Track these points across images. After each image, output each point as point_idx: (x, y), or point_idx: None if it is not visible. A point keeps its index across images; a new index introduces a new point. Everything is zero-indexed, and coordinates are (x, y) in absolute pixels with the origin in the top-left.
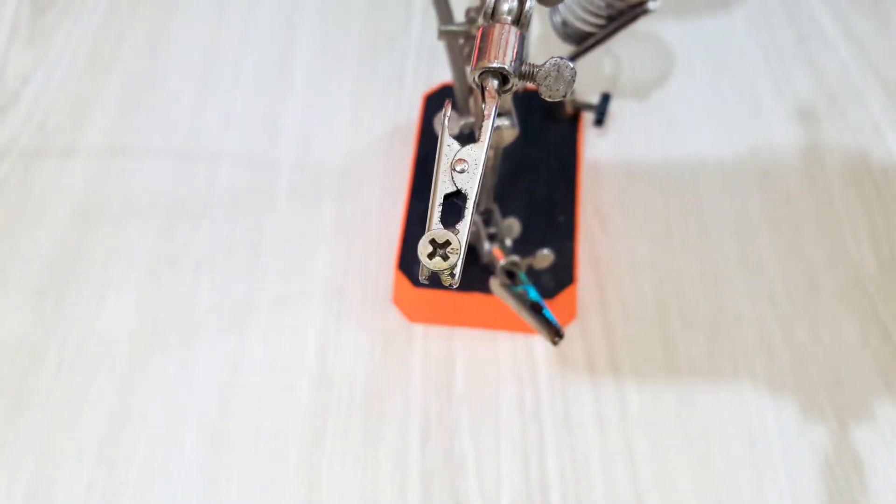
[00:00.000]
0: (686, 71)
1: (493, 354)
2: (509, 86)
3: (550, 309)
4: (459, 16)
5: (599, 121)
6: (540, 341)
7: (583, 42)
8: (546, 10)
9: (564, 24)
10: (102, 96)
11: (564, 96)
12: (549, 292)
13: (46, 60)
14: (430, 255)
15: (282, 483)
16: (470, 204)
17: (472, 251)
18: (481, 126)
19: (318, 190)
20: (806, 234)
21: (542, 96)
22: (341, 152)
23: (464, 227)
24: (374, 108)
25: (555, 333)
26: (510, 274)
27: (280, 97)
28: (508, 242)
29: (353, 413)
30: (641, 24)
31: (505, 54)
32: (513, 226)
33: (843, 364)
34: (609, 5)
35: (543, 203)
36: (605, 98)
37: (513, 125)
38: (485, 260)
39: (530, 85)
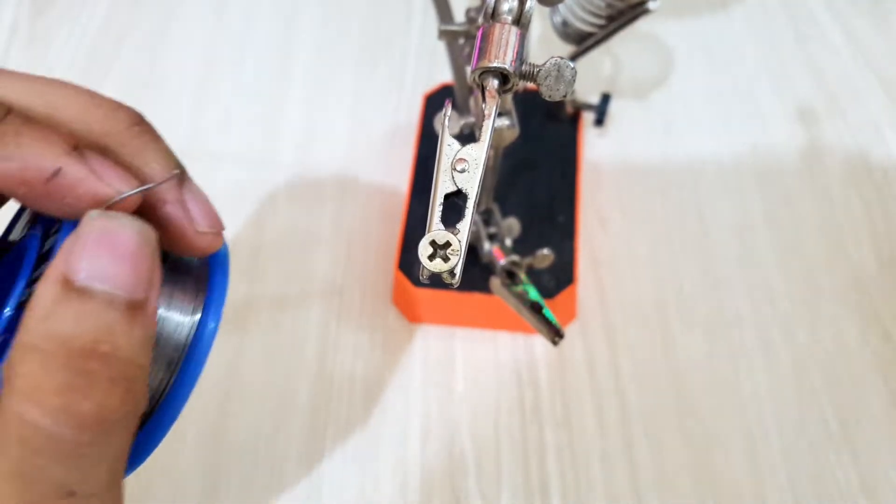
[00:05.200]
0: (686, 71)
1: (493, 354)
2: (509, 86)
3: (550, 309)
4: (459, 16)
5: (599, 121)
6: (540, 341)
7: (583, 42)
8: (546, 10)
9: (564, 24)
10: None
11: (565, 96)
12: (549, 292)
13: (46, 60)
14: (431, 257)
15: (282, 483)
16: (470, 203)
17: (473, 251)
18: (481, 126)
19: (318, 190)
20: (806, 234)
21: (543, 96)
22: (341, 152)
23: (464, 227)
24: (374, 108)
25: (555, 333)
26: (510, 274)
27: (280, 97)
28: (508, 242)
29: (352, 413)
30: (641, 24)
31: (505, 54)
32: (513, 226)
33: (843, 364)
34: (609, 5)
35: (543, 203)
36: (605, 98)
37: (513, 125)
38: (485, 260)
39: (530, 85)
